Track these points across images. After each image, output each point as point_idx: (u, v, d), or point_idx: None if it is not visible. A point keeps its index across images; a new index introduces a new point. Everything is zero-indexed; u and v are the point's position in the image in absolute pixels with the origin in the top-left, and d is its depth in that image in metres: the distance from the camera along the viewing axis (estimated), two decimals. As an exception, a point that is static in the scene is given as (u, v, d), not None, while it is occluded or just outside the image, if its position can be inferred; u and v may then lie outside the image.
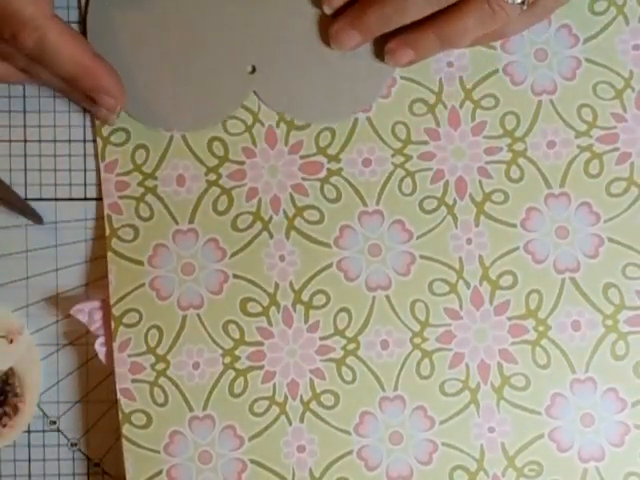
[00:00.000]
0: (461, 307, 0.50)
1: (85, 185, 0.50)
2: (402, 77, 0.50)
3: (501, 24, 0.46)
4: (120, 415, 0.48)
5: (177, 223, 0.49)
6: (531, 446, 0.49)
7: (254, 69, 0.50)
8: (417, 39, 0.47)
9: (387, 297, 0.50)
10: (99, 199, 0.50)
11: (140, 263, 0.49)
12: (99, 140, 0.49)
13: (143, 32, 0.49)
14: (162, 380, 0.49)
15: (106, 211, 0.49)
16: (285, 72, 0.49)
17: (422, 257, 0.50)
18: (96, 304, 0.49)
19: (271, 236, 0.50)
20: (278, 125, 0.50)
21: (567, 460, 0.49)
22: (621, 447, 0.50)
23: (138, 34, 0.49)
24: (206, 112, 0.49)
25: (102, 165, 0.49)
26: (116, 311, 0.49)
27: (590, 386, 0.50)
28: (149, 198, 0.49)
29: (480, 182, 0.50)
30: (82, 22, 0.49)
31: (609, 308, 0.50)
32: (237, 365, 0.49)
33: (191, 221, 0.49)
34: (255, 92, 0.50)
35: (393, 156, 0.50)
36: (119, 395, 0.48)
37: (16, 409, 0.49)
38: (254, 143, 0.50)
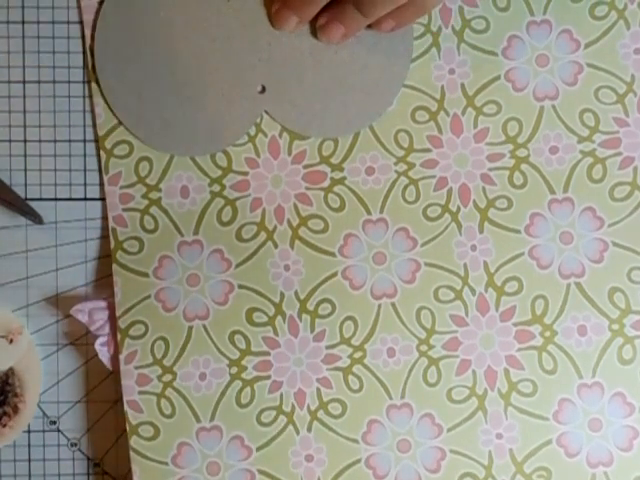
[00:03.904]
0: (467, 314, 0.50)
1: (85, 185, 0.50)
2: (404, 85, 0.50)
3: (405, 0, 0.46)
4: (127, 427, 0.48)
5: (182, 235, 0.49)
6: (539, 452, 0.49)
7: (264, 89, 0.50)
8: (341, 11, 0.48)
9: (393, 305, 0.50)
10: (99, 199, 0.50)
11: (145, 275, 0.49)
12: (102, 153, 0.49)
13: (151, 61, 0.49)
14: (169, 391, 0.49)
15: (111, 224, 0.49)
16: (295, 90, 0.49)
17: (427, 264, 0.50)
18: (96, 304, 0.49)
19: (276, 246, 0.50)
20: (281, 135, 0.50)
21: (575, 465, 0.49)
22: (629, 451, 0.50)
23: (146, 64, 0.49)
24: (220, 135, 0.49)
25: (106, 178, 0.49)
26: (122, 323, 0.49)
27: (597, 391, 0.50)
28: (153, 210, 0.49)
29: (483, 189, 0.50)
30: (90, 52, 0.49)
31: (615, 312, 0.50)
32: (244, 375, 0.49)
33: (196, 232, 0.49)
34: (267, 111, 0.50)
35: (396, 164, 0.50)
36: (126, 407, 0.48)
37: (16, 409, 0.49)
38: (257, 153, 0.50)
